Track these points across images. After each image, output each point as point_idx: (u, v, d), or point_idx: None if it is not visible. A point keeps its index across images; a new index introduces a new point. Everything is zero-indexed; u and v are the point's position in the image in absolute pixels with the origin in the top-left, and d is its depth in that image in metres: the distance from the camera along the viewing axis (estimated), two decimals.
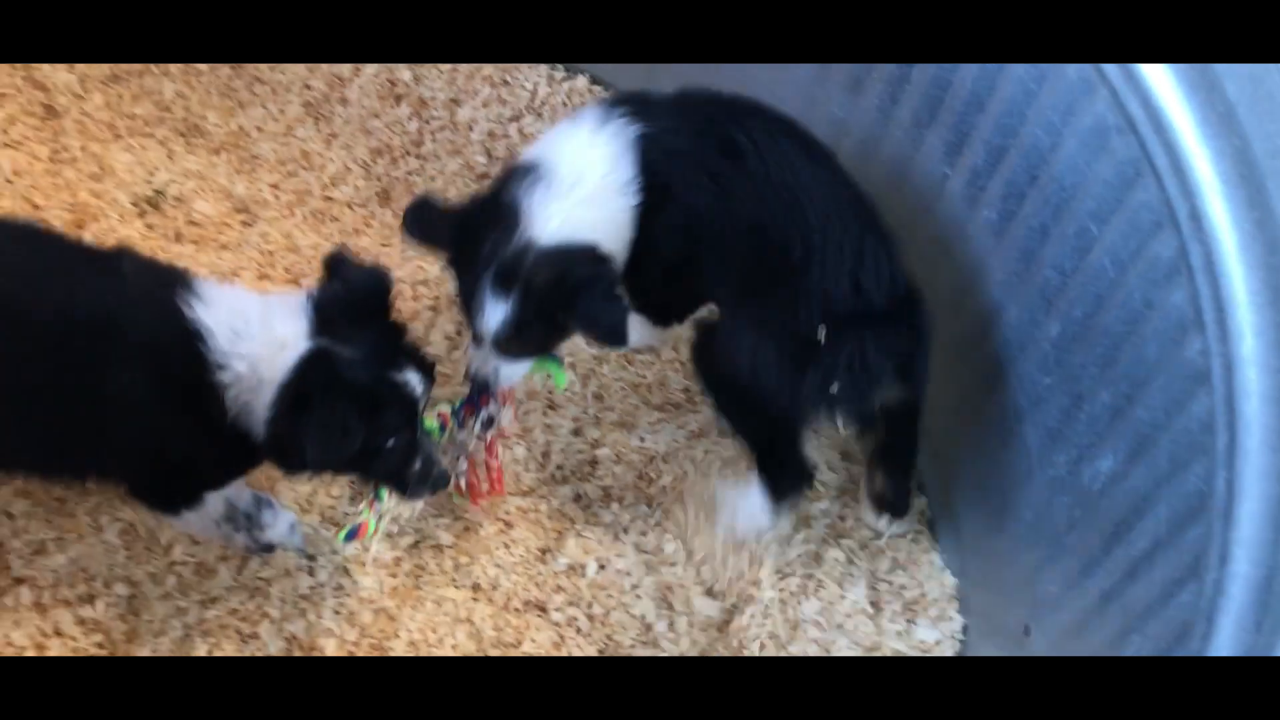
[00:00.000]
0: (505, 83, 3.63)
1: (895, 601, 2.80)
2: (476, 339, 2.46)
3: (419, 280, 3.13)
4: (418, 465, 2.29)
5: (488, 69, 3.64)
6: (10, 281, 2.12)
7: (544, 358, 2.59)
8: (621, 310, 2.36)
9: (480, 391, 2.57)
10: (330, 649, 2.54)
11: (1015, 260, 2.54)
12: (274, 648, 2.52)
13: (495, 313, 2.37)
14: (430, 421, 2.54)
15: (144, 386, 2.09)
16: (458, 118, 3.52)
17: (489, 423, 2.61)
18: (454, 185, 3.37)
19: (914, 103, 2.75)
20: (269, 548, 2.58)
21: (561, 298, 2.34)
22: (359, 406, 2.07)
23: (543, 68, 3.68)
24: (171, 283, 2.18)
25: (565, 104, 3.61)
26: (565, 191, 2.37)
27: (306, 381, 2.07)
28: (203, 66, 3.47)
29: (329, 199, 3.28)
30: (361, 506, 2.58)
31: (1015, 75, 2.44)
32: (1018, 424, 2.59)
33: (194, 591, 2.57)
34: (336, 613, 2.59)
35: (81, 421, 2.14)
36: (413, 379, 2.18)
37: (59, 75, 3.33)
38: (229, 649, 2.50)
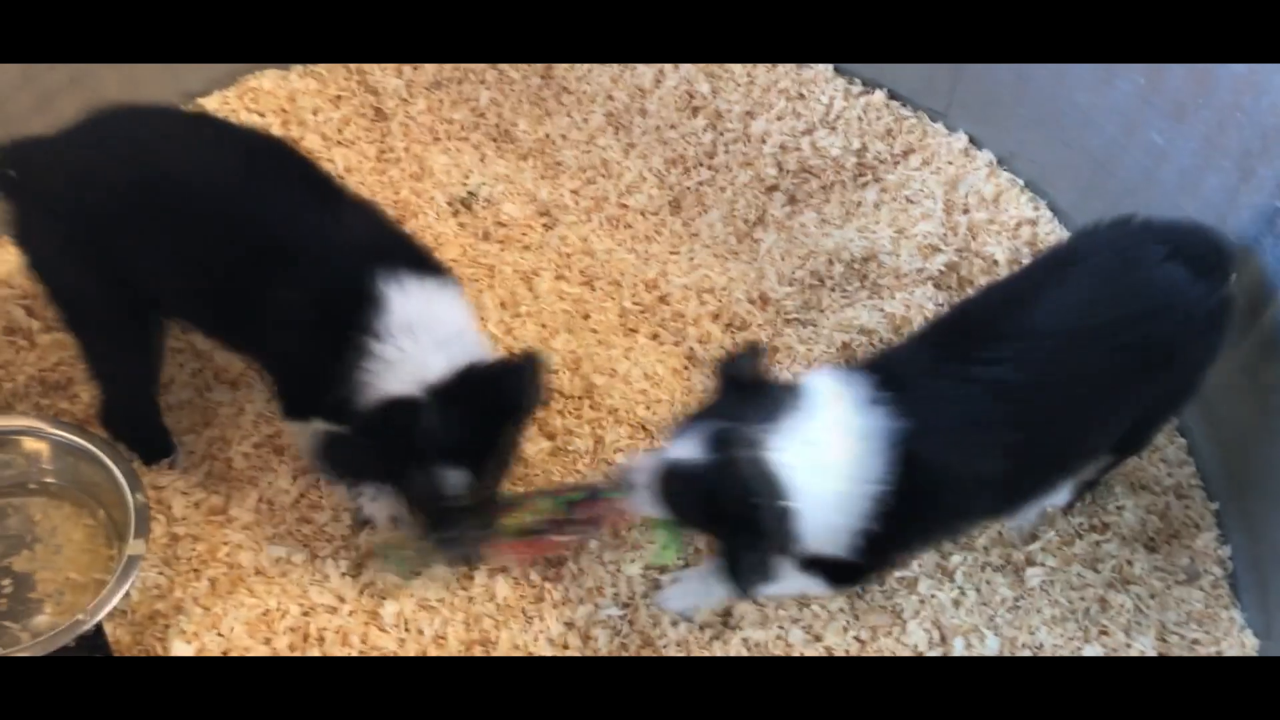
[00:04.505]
0: (800, 96, 3.66)
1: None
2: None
3: (704, 288, 3.20)
4: (442, 535, 2.45)
5: (784, 82, 3.68)
6: (238, 182, 2.36)
7: (678, 532, 2.43)
8: (758, 573, 2.21)
9: (610, 502, 2.52)
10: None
11: None
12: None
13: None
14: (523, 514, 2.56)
15: (296, 309, 2.29)
16: (751, 130, 3.57)
17: (588, 526, 2.59)
18: (743, 196, 3.43)
19: (1244, 132, 2.59)
20: (367, 520, 2.68)
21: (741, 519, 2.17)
22: (390, 468, 2.32)
23: (840, 81, 3.69)
24: (386, 250, 2.37)
25: (860, 118, 3.60)
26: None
27: (379, 419, 2.26)
28: (515, 76, 3.68)
29: (624, 206, 3.40)
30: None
31: None
32: None
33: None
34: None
35: (248, 313, 2.37)
36: (453, 480, 2.28)
37: (389, 80, 3.61)
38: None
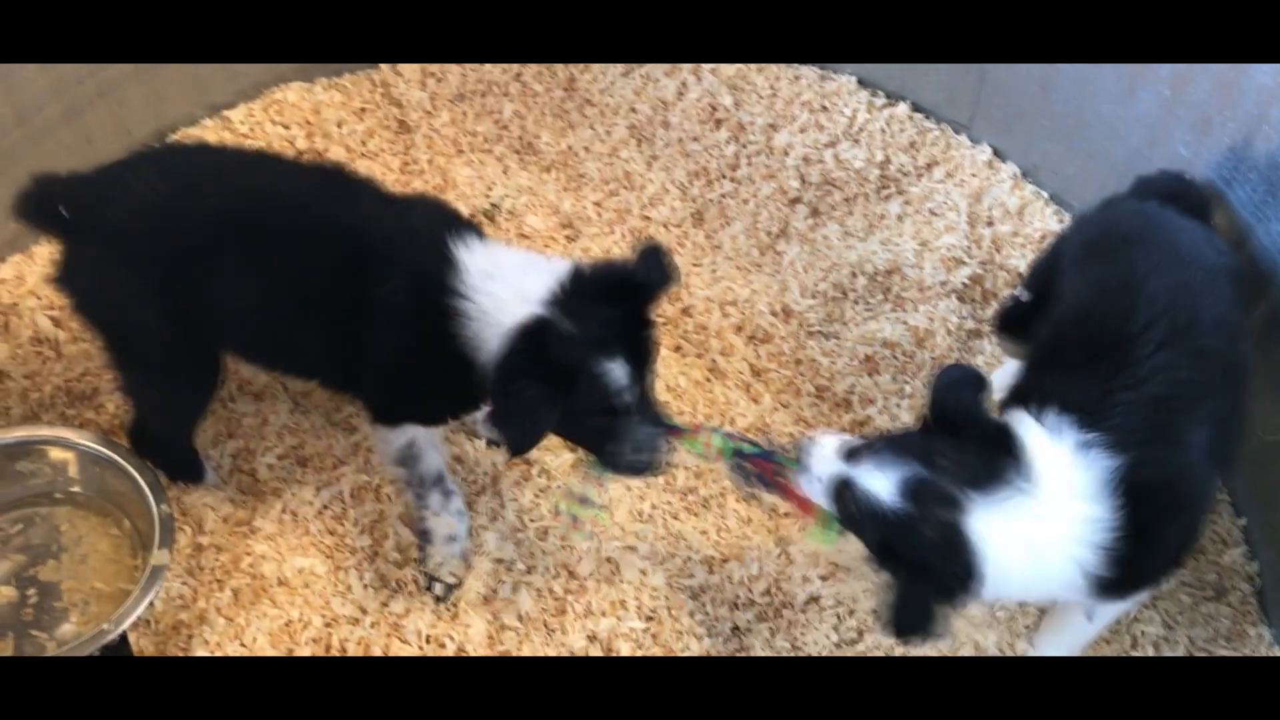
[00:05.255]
0: (824, 109, 3.66)
1: None
2: (844, 459, 2.19)
3: (727, 301, 3.20)
4: (623, 446, 2.29)
5: (807, 95, 3.68)
6: (317, 206, 2.34)
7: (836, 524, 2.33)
8: (920, 626, 2.10)
9: (779, 468, 2.39)
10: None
11: None
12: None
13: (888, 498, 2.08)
14: (692, 442, 2.45)
15: (401, 298, 2.26)
16: (774, 142, 3.57)
17: (760, 483, 2.44)
18: (766, 209, 3.42)
19: (1270, 143, 2.58)
20: (423, 534, 2.63)
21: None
22: (552, 391, 2.12)
23: (863, 94, 3.69)
24: (447, 222, 2.35)
25: (884, 130, 3.60)
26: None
27: (517, 354, 2.15)
28: (538, 88, 3.69)
29: (646, 218, 3.41)
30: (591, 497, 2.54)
31: None
32: None
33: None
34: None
35: (345, 330, 2.33)
36: (617, 369, 2.16)
37: (413, 93, 3.63)
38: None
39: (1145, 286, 2.21)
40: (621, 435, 2.27)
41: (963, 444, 2.05)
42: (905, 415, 2.94)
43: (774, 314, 3.18)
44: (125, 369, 2.54)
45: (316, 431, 2.87)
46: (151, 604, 2.36)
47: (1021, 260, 3.26)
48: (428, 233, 2.31)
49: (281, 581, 2.61)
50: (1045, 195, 3.46)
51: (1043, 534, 2.01)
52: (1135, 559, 2.04)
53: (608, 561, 2.69)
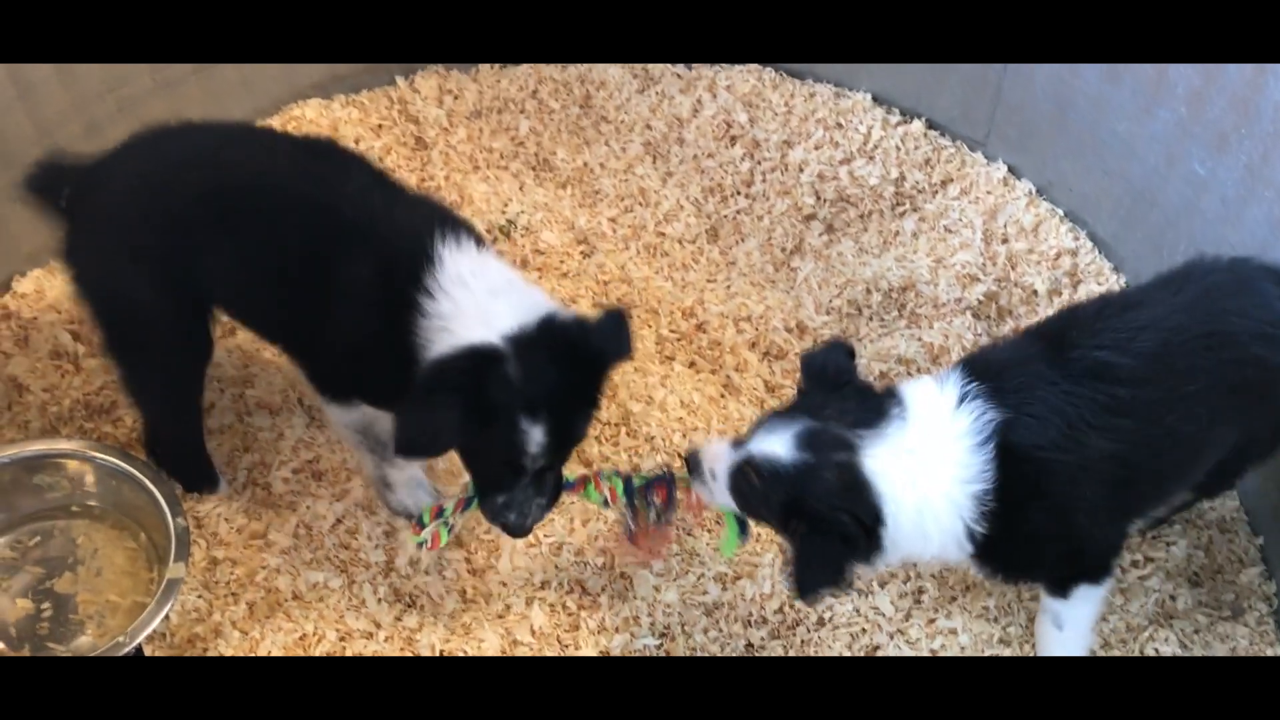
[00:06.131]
0: (839, 125, 3.67)
1: None
2: (734, 447, 2.21)
3: (742, 316, 3.20)
4: (502, 501, 2.27)
5: (822, 112, 3.69)
6: (302, 178, 2.37)
7: (741, 524, 2.37)
8: (831, 582, 2.11)
9: (677, 484, 2.40)
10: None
11: None
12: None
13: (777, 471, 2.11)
14: (591, 492, 2.45)
15: (363, 281, 2.25)
16: (789, 159, 3.58)
17: (664, 510, 2.44)
18: (780, 225, 3.43)
19: None
20: (387, 486, 2.67)
21: (812, 522, 2.09)
22: (466, 421, 2.08)
23: (878, 111, 3.70)
24: (444, 220, 2.32)
25: (899, 147, 3.60)
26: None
27: (455, 369, 2.11)
28: (554, 105, 3.71)
29: (661, 234, 3.42)
30: (445, 508, 2.42)
31: None
32: None
33: None
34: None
35: (310, 300, 2.33)
36: (537, 434, 2.12)
37: (430, 110, 3.65)
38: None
39: (1148, 299, 2.25)
40: (508, 490, 2.26)
41: (842, 396, 2.13)
42: None
43: (789, 330, 3.18)
44: (116, 354, 2.56)
45: (331, 446, 2.88)
46: (167, 617, 2.37)
47: (1037, 277, 3.26)
48: (413, 223, 2.29)
49: (296, 595, 2.62)
50: (1060, 213, 3.45)
51: (925, 472, 2.07)
52: (1006, 523, 2.09)
53: (621, 577, 2.69)
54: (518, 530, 2.32)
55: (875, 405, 2.12)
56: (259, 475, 2.83)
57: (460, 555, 2.71)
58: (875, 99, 3.74)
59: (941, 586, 2.67)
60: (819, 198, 3.49)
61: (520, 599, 2.63)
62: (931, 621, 2.63)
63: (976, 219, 3.42)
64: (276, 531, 2.72)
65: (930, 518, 2.09)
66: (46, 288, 3.10)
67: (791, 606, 2.65)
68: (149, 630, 2.29)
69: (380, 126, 3.63)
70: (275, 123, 3.57)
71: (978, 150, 3.62)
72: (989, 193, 3.51)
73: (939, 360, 3.09)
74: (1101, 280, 3.27)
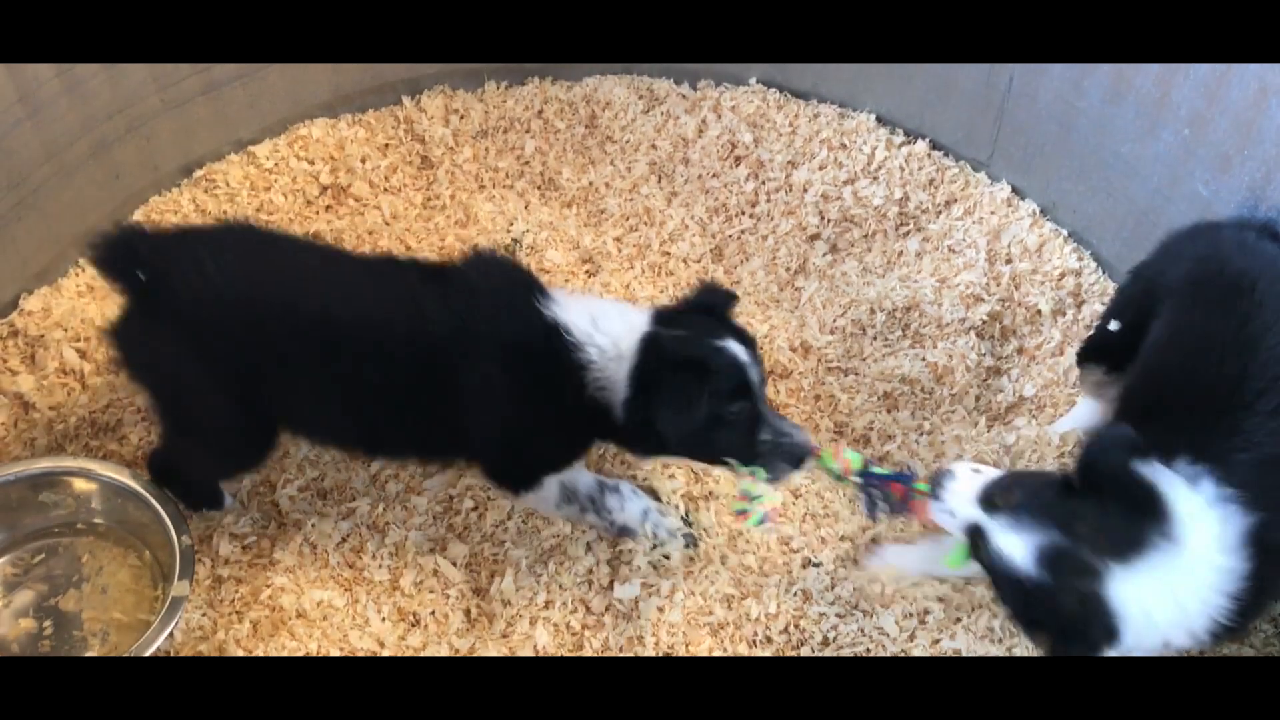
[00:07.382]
0: (843, 146, 3.68)
1: None
2: (981, 503, 2.21)
3: None
4: (766, 437, 2.38)
5: (826, 132, 3.71)
6: (374, 309, 2.37)
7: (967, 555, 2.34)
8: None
9: (912, 491, 2.43)
10: None
11: None
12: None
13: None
14: (829, 458, 2.49)
15: (499, 378, 2.36)
16: (793, 179, 3.59)
17: (895, 505, 2.48)
18: (785, 245, 3.44)
19: None
20: (625, 530, 2.73)
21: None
22: (694, 374, 2.28)
23: (882, 131, 3.71)
24: (524, 287, 2.45)
25: (902, 168, 3.61)
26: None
27: (650, 361, 2.33)
28: (560, 125, 3.73)
29: (666, 254, 3.43)
30: (758, 490, 2.49)
31: None
32: None
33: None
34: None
35: (444, 414, 2.42)
36: (734, 346, 2.33)
37: (436, 129, 3.67)
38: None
39: (1261, 346, 2.23)
40: (763, 422, 2.39)
41: (1105, 505, 2.04)
42: (924, 451, 2.94)
43: (793, 350, 3.19)
44: (173, 429, 2.55)
45: (337, 464, 2.88)
46: (171, 635, 2.37)
47: (1041, 297, 3.26)
48: (509, 308, 2.40)
49: (300, 614, 2.62)
50: (1064, 233, 3.46)
51: (1186, 588, 2.03)
52: (1252, 609, 2.08)
53: (625, 601, 2.69)
54: (802, 450, 2.40)
55: (1136, 527, 2.04)
56: (265, 493, 2.83)
57: (463, 575, 2.70)
58: (879, 119, 3.76)
59: (946, 607, 2.66)
60: (823, 218, 3.51)
61: (525, 618, 2.63)
62: (936, 642, 2.62)
63: (980, 239, 3.43)
64: (281, 550, 2.72)
65: (1179, 629, 2.07)
66: (53, 305, 3.11)
67: (796, 626, 2.65)
68: (153, 648, 2.30)
69: (387, 145, 3.65)
70: (282, 142, 3.59)
71: (981, 171, 3.63)
72: (993, 213, 3.52)
73: (943, 380, 3.09)
74: (1105, 301, 3.27)
